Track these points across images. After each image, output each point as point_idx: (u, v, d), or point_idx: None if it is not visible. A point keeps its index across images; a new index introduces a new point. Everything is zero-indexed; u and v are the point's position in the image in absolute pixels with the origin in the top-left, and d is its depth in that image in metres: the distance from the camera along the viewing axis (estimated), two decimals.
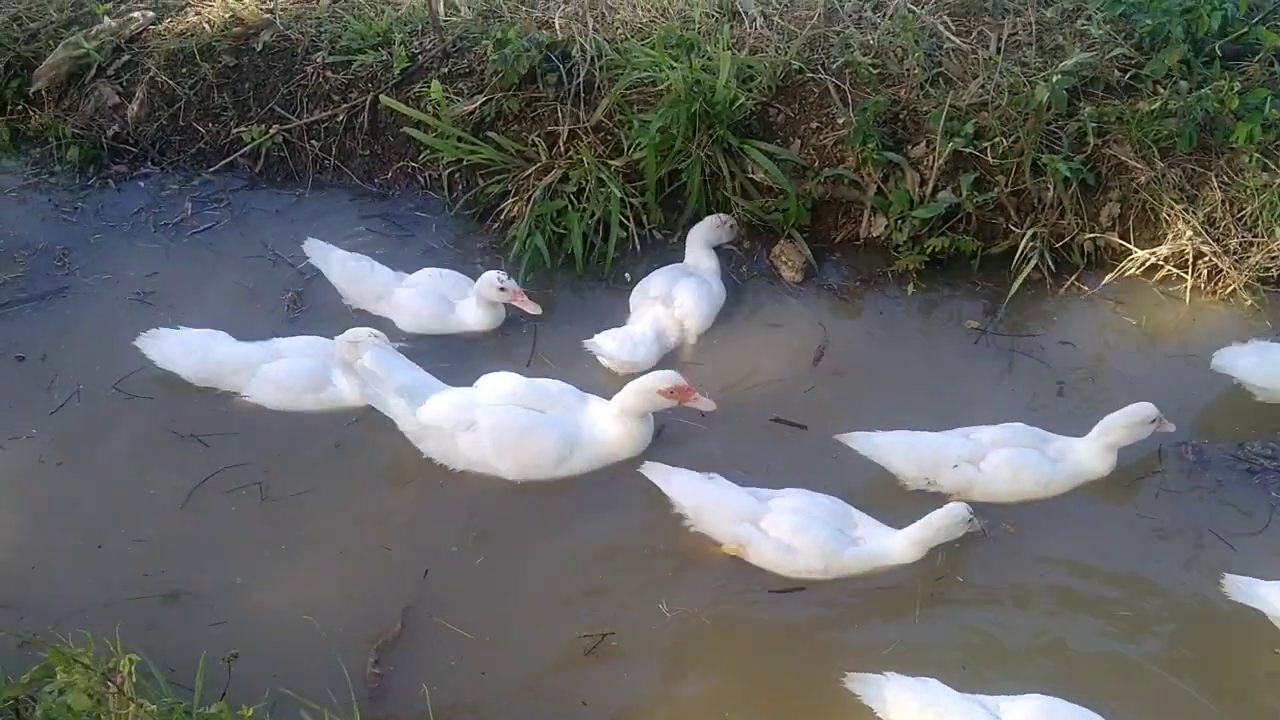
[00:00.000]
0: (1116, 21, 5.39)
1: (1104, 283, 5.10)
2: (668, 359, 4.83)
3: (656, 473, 4.14)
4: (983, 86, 5.28)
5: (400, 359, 4.46)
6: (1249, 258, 4.99)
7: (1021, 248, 5.11)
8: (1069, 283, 5.13)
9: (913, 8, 5.60)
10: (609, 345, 4.76)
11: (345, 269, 5.10)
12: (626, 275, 5.30)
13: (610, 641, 3.72)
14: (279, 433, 4.51)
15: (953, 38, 5.47)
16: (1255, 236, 5.02)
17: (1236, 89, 5.00)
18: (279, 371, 4.57)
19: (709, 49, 5.49)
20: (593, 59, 5.56)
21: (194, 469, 4.33)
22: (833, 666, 3.56)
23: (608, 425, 4.31)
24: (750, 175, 5.40)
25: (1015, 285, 5.06)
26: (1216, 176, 5.09)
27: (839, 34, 5.60)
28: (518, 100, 5.59)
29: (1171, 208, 5.06)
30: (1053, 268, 5.13)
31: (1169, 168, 5.12)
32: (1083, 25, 5.42)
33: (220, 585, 3.92)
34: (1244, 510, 4.11)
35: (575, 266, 5.29)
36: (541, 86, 5.58)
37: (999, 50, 5.44)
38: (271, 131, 5.92)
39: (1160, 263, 5.07)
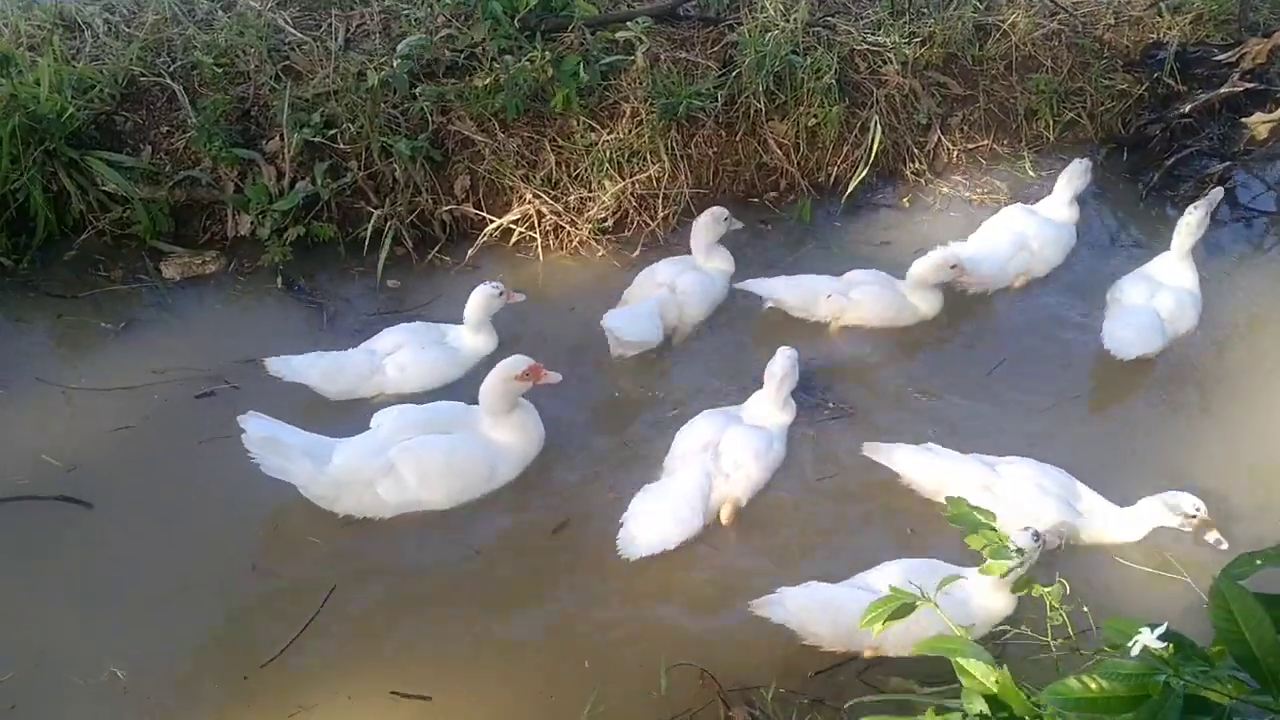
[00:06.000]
0: (456, 7, 5.70)
1: (466, 252, 5.35)
2: None
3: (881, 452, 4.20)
4: (328, 77, 5.39)
5: (282, 424, 3.95)
6: (586, 211, 5.43)
7: (383, 228, 5.26)
8: (431, 255, 5.34)
9: (254, 5, 5.62)
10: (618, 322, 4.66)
11: None
12: None
13: None
14: None
15: (295, 32, 5.55)
16: (590, 192, 5.46)
17: (549, 58, 5.43)
18: None
19: (40, 60, 5.21)
20: None
21: None
22: None
23: (500, 432, 4.18)
24: (103, 187, 5.18)
25: (380, 263, 5.20)
26: (550, 142, 5.49)
27: (181, 35, 5.51)
28: None
29: (512, 174, 5.41)
30: (414, 244, 5.32)
31: (509, 138, 5.46)
32: (405, 10, 5.67)
33: None
34: None
35: None
36: None
37: (346, 41, 5.58)
38: None
39: (511, 226, 5.40)
